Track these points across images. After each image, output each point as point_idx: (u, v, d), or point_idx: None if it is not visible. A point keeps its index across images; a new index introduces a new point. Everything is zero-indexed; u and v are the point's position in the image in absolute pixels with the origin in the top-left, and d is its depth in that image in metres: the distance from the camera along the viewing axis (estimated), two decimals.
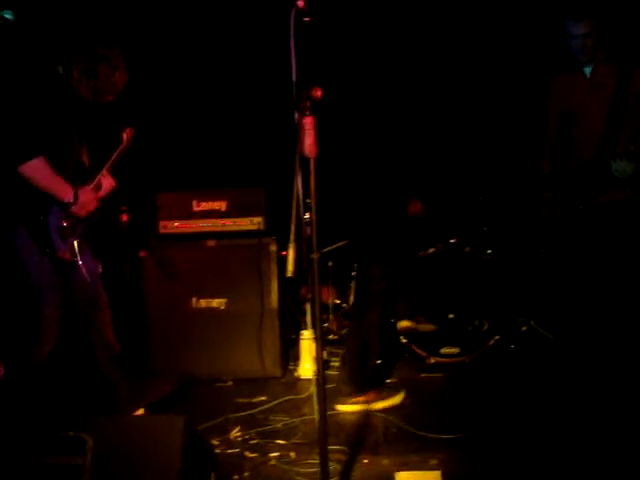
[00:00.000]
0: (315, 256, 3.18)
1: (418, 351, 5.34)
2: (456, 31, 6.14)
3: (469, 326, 5.40)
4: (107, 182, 4.28)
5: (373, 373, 4.72)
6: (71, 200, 4.00)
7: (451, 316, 5.39)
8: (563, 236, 4.73)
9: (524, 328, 5.45)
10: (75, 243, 4.08)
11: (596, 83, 4.72)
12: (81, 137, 4.27)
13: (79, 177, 4.13)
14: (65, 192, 3.99)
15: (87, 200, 4.10)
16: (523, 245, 5.56)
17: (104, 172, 4.24)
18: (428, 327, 5.37)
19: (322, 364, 3.23)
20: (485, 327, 5.40)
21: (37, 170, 3.92)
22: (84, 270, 4.10)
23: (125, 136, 4.33)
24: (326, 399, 3.24)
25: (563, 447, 3.84)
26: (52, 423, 3.11)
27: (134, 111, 5.42)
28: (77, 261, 4.07)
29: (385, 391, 4.68)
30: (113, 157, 4.27)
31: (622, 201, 4.55)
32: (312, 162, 3.19)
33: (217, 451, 3.97)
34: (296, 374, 5.32)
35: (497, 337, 5.34)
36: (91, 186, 4.15)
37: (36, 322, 4.03)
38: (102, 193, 4.25)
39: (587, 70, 4.74)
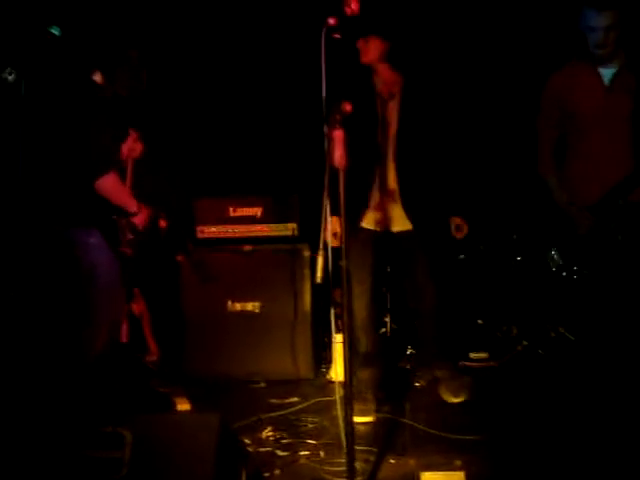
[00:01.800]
0: (344, 264, 3.30)
1: None
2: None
3: (498, 331, 5.49)
4: None
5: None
6: (136, 211, 4.24)
7: (480, 321, 5.49)
8: (601, 251, 4.51)
9: (553, 334, 5.51)
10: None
11: (616, 88, 4.37)
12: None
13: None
14: (131, 204, 4.25)
15: (145, 214, 4.34)
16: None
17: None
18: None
19: (350, 368, 3.36)
20: (514, 332, 5.48)
21: (111, 185, 4.17)
22: None
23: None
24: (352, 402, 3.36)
25: (587, 453, 3.88)
26: (96, 417, 3.26)
27: (173, 118, 5.60)
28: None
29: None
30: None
31: None
32: (341, 173, 3.32)
33: (249, 449, 4.10)
34: (328, 376, 5.42)
35: (525, 343, 5.42)
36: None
37: (98, 319, 4.24)
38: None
39: (606, 73, 4.37)
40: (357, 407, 4.41)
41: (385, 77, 4.61)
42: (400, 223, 4.71)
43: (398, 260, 4.96)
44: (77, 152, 4.11)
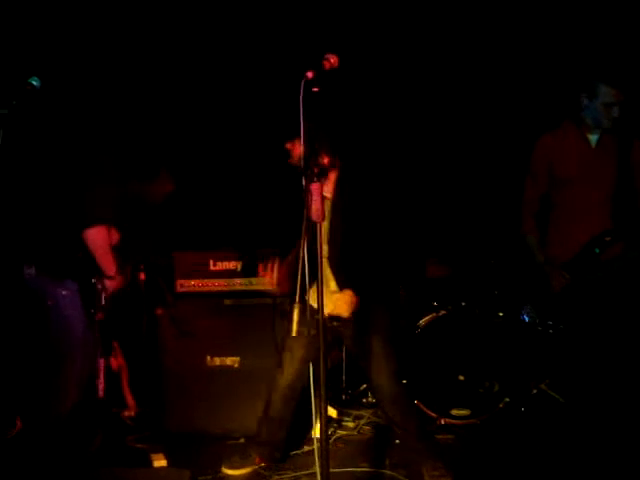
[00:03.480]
0: (320, 317, 3.28)
1: (428, 412, 5.38)
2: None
3: (480, 388, 5.45)
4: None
5: None
6: (113, 276, 4.25)
7: (462, 378, 5.45)
8: (578, 306, 4.68)
9: (535, 391, 5.47)
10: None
11: (601, 152, 4.67)
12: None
13: None
14: (111, 266, 4.26)
15: (120, 279, 4.35)
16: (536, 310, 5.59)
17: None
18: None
19: (326, 422, 3.33)
20: (496, 389, 5.44)
21: (99, 238, 4.17)
22: None
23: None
24: (329, 457, 3.32)
25: None
26: (64, 472, 3.20)
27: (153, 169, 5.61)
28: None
29: None
30: None
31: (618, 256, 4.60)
32: (319, 226, 3.32)
33: None
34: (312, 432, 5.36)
35: (507, 399, 5.39)
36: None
37: (68, 374, 4.20)
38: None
39: (592, 138, 4.67)
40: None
41: None
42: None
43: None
44: (73, 199, 4.14)
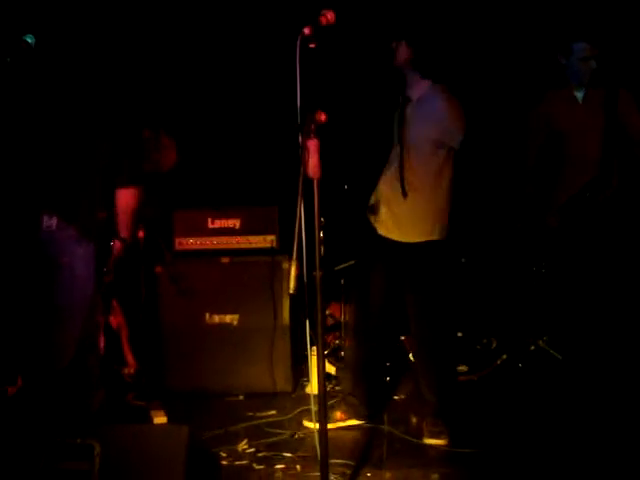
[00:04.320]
0: (318, 274, 3.28)
1: None
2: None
3: (477, 344, 5.48)
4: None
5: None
6: (126, 238, 4.25)
7: (460, 334, 5.48)
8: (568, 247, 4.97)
9: (532, 347, 5.49)
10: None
11: (589, 107, 4.94)
12: None
13: None
14: (129, 229, 4.28)
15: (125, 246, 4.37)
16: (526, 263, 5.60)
17: None
18: None
19: (324, 379, 3.35)
20: (493, 345, 5.47)
21: (132, 198, 4.18)
22: None
23: None
24: (327, 414, 3.35)
25: (568, 466, 3.91)
26: (64, 429, 3.23)
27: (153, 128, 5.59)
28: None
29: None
30: None
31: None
32: (316, 183, 3.31)
33: (225, 462, 4.08)
34: (307, 389, 5.39)
35: (505, 356, 5.41)
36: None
37: (65, 336, 4.21)
38: None
39: (579, 94, 4.97)
40: (340, 410, 4.58)
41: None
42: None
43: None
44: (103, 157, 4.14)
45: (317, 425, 4.54)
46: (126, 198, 4.23)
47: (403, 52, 4.30)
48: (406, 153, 4.35)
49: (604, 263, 4.84)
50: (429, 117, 4.30)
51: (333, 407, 4.68)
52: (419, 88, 4.37)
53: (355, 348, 4.75)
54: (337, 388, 5.24)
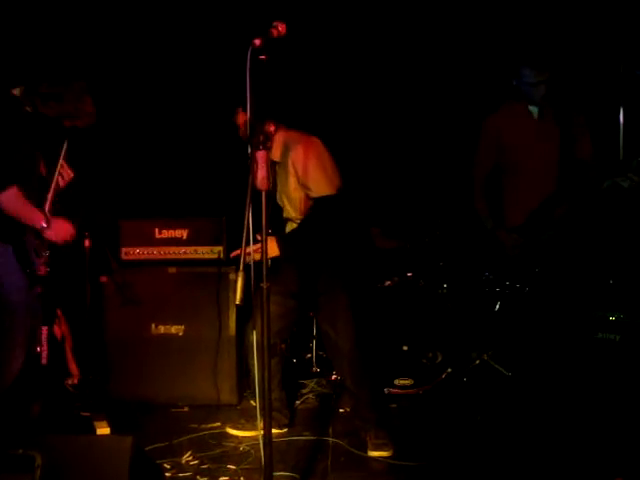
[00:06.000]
0: (265, 285, 3.28)
1: None
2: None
3: (423, 358, 5.50)
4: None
5: None
6: (44, 225, 4.11)
7: (405, 348, 5.50)
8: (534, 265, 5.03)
9: (477, 362, 5.53)
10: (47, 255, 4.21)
11: (543, 122, 5.04)
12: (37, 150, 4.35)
13: (42, 189, 4.24)
14: (38, 218, 4.10)
15: (61, 228, 4.21)
16: (479, 281, 5.65)
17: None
18: None
19: (269, 390, 3.34)
20: (438, 359, 5.50)
21: (11, 200, 4.02)
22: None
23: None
24: (271, 427, 3.35)
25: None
26: (6, 440, 3.17)
27: (101, 140, 5.55)
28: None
29: None
30: (50, 196, 4.34)
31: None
32: (264, 194, 3.31)
33: (169, 474, 4.06)
34: (252, 402, 5.36)
35: (450, 370, 5.45)
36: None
37: (11, 341, 4.13)
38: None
39: (534, 110, 5.05)
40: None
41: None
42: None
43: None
44: None
45: (242, 433, 4.66)
46: (7, 201, 4.06)
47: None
48: None
49: (566, 279, 4.97)
50: None
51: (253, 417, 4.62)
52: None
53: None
54: None
